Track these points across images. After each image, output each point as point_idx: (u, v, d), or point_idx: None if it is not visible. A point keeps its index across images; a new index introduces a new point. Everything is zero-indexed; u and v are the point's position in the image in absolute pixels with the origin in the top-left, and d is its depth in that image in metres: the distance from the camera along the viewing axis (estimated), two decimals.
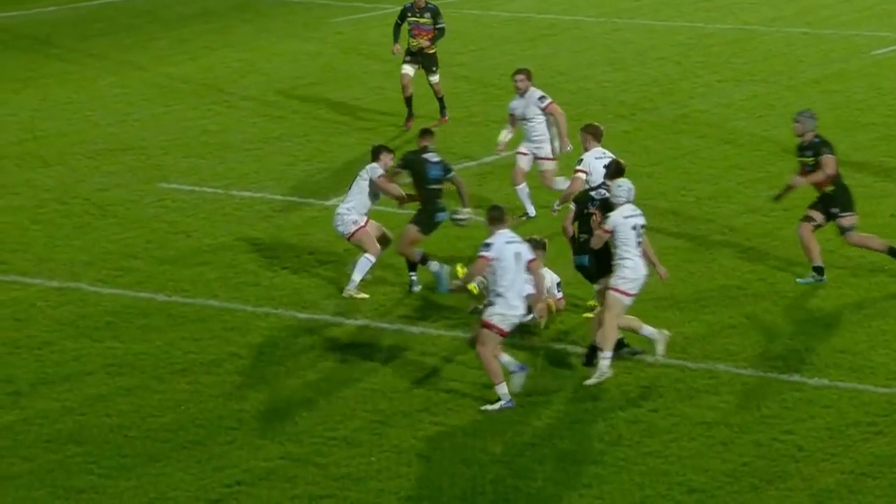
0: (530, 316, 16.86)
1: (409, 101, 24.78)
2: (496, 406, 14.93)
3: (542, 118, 20.21)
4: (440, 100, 25.08)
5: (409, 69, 24.72)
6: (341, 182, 20.93)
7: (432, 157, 17.89)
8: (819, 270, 18.15)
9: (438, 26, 24.87)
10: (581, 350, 16.26)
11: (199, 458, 14.17)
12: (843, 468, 13.88)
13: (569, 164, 19.61)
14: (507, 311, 15.03)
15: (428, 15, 24.88)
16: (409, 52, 24.90)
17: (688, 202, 21.39)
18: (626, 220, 15.57)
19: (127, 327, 17.12)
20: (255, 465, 14.05)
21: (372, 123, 25.11)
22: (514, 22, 33.70)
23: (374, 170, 17.92)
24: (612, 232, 15.57)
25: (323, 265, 18.79)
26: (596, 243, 15.74)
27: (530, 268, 15.23)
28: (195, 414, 15.05)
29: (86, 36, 32.81)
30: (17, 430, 14.73)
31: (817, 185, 18.34)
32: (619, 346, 15.75)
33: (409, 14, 24.94)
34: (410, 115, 24.86)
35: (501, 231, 15.23)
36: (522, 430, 14.65)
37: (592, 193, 16.17)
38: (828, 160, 18.16)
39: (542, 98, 20.22)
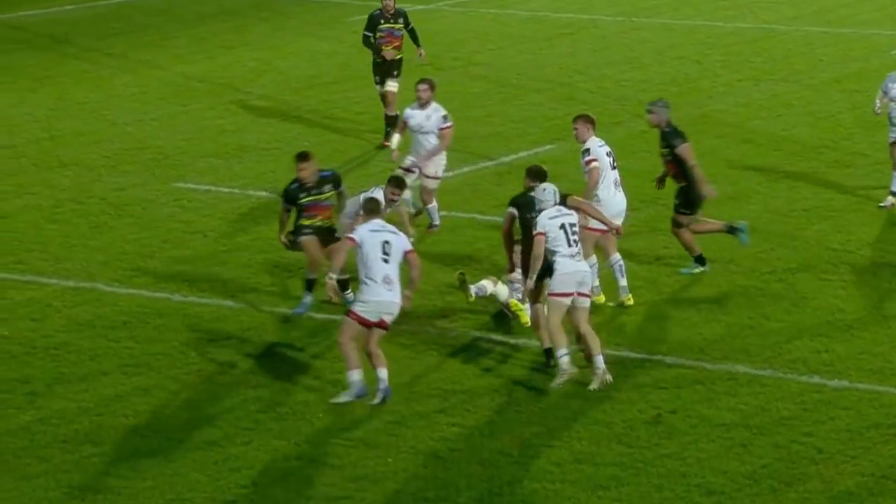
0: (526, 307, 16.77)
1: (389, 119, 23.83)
2: (346, 397, 14.96)
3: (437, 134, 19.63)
4: (390, 119, 23.28)
5: (393, 85, 23.61)
6: (358, 182, 20.91)
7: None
8: (700, 260, 18.36)
9: (410, 27, 23.79)
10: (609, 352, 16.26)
11: (216, 459, 14.18)
12: (863, 470, 13.83)
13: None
14: (371, 298, 15.08)
15: (401, 20, 23.75)
16: (376, 68, 23.62)
17: (706, 202, 21.30)
18: (551, 221, 15.55)
19: (143, 327, 17.13)
20: (271, 467, 14.05)
21: None
22: (531, 21, 33.67)
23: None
24: (545, 234, 15.49)
25: None
26: (537, 250, 15.53)
27: (408, 259, 15.29)
28: (211, 414, 15.06)
29: (103, 35, 32.88)
30: (34, 431, 14.76)
31: (673, 178, 18.30)
32: (548, 354, 15.70)
33: (382, 21, 23.65)
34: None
35: (373, 220, 15.34)
36: (539, 432, 14.63)
37: (534, 195, 16.06)
38: (682, 150, 18.08)
39: (445, 117, 19.62)
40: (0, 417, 15.02)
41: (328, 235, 17.21)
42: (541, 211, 15.71)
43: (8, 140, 24.82)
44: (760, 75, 28.44)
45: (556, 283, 15.46)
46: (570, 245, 15.51)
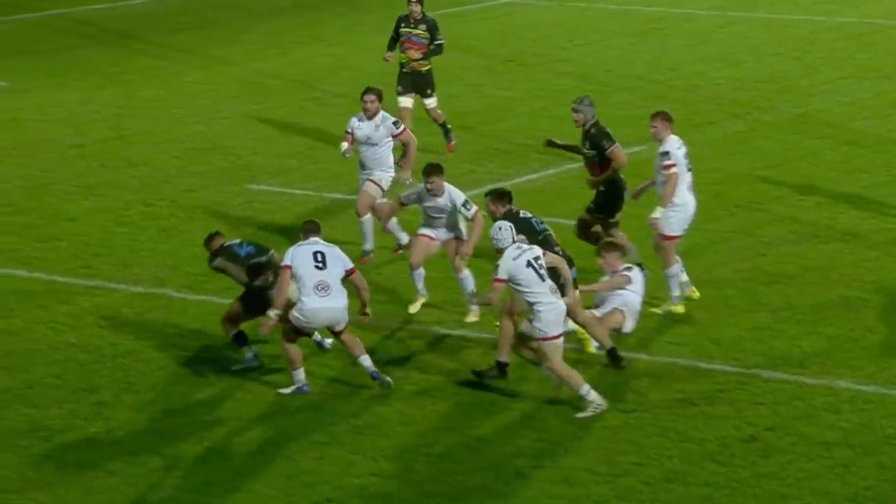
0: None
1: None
2: (290, 390, 15.54)
3: (389, 145, 19.31)
4: (442, 125, 23.52)
5: (407, 101, 23.23)
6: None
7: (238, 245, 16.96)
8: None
9: (437, 42, 23.54)
10: (684, 362, 16.19)
11: (288, 474, 14.27)
12: None
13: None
14: (303, 307, 15.38)
15: (423, 27, 23.54)
16: (400, 76, 23.43)
17: (807, 207, 21.19)
18: (516, 262, 15.17)
19: (214, 335, 17.26)
20: (346, 482, 14.12)
21: (470, 121, 25.13)
22: (621, 15, 33.59)
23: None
24: (507, 281, 15.12)
25: None
26: (494, 298, 15.19)
27: (352, 280, 15.56)
28: (284, 427, 15.16)
29: (172, 30, 33.18)
30: (101, 442, 14.93)
31: (589, 181, 18.14)
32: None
33: (403, 24, 23.64)
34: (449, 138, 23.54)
35: (310, 238, 15.67)
36: (627, 448, 14.60)
37: (522, 215, 16.16)
38: (614, 152, 17.98)
39: (396, 123, 19.29)
40: (67, 428, 15.21)
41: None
42: (504, 245, 15.29)
43: (76, 139, 25.11)
44: (864, 73, 28.19)
45: (544, 328, 15.16)
46: (543, 280, 15.19)
